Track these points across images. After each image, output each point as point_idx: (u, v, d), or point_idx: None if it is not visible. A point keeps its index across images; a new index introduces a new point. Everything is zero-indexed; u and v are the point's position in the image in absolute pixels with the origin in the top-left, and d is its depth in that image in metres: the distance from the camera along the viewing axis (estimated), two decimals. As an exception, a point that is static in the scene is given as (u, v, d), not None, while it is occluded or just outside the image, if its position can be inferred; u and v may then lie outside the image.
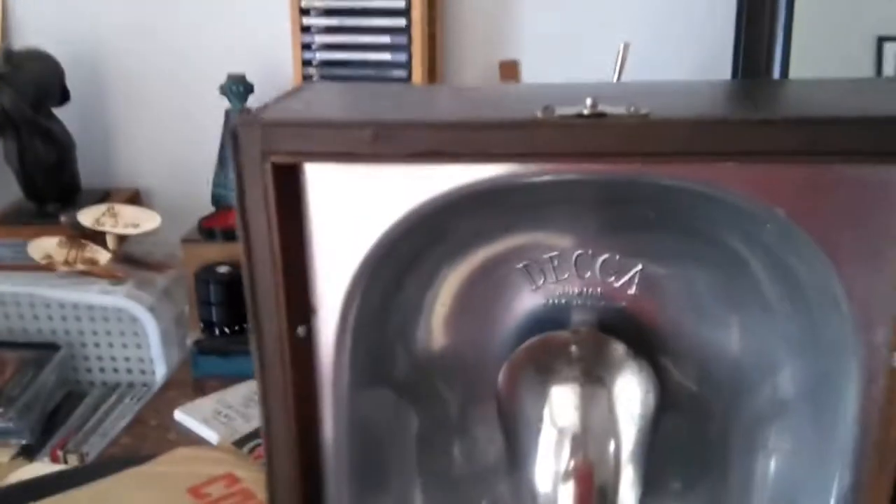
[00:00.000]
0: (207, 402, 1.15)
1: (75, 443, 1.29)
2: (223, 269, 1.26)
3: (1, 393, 1.30)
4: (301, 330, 0.48)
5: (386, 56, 1.42)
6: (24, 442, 1.29)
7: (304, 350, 0.49)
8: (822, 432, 0.50)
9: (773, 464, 0.54)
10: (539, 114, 0.44)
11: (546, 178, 0.46)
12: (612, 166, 0.45)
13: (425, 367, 0.56)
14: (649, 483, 0.53)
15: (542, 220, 0.53)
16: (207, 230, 1.33)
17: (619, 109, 0.44)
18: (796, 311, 0.50)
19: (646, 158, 0.43)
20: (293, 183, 0.45)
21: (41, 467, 0.94)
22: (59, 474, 0.88)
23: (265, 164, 0.43)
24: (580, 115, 0.43)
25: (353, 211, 0.47)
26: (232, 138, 0.42)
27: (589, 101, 0.44)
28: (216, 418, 1.11)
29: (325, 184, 0.46)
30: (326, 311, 0.49)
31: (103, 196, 1.47)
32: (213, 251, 1.28)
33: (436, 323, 0.56)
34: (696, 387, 0.55)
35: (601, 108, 0.44)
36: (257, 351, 0.47)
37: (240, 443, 1.05)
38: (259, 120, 0.43)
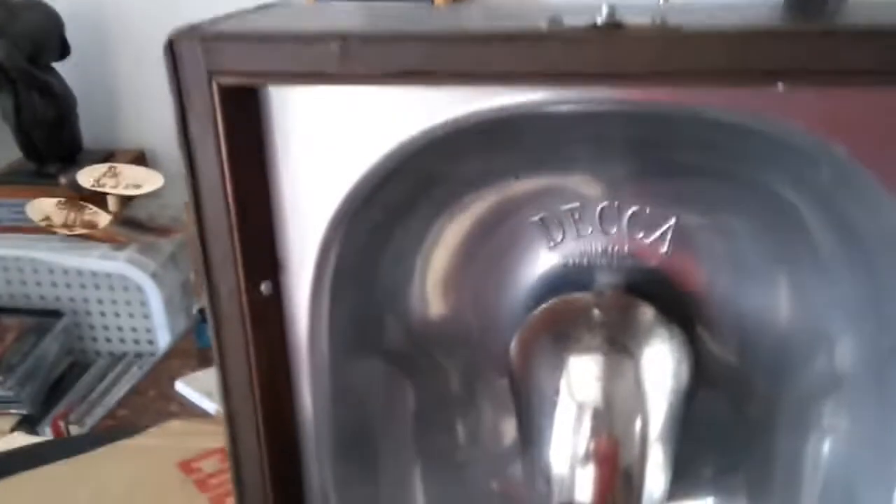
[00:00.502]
0: (210, 373, 1.09)
1: (78, 414, 1.25)
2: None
3: (0, 360, 1.26)
4: (265, 286, 0.41)
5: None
6: (24, 412, 1.27)
7: (270, 310, 0.42)
8: (886, 409, 0.44)
9: (826, 445, 0.48)
10: (543, 25, 0.36)
11: (560, 108, 0.39)
12: (632, 92, 0.37)
13: (422, 334, 0.51)
14: (680, 466, 0.48)
15: (559, 162, 0.46)
16: (214, 192, 1.27)
17: (642, 20, 0.36)
18: (855, 269, 0.43)
19: (674, 80, 0.35)
20: (251, 110, 0.38)
21: (21, 438, 0.89)
22: (43, 446, 0.84)
23: (211, 87, 0.36)
24: (593, 27, 0.36)
25: (328, 145, 0.40)
26: (168, 55, 0.35)
27: (605, 10, 0.36)
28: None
29: (292, 111, 0.39)
30: (298, 266, 0.43)
31: (106, 157, 1.42)
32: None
33: (434, 283, 0.50)
34: (736, 358, 0.50)
35: (620, 18, 0.36)
36: (211, 312, 0.40)
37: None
38: (200, 32, 0.36)
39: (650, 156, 0.45)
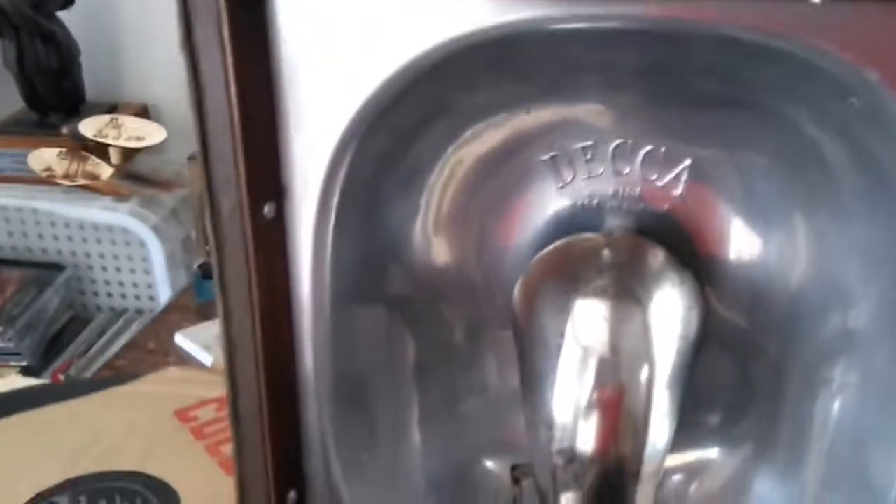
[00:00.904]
0: (210, 327, 1.08)
1: (78, 368, 1.25)
2: (232, 189, 1.19)
3: (1, 312, 1.25)
4: (268, 208, 0.40)
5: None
6: (24, 364, 1.26)
7: (272, 234, 0.41)
8: (897, 364, 0.42)
9: (835, 401, 0.47)
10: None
11: (572, 26, 0.37)
12: (649, 6, 0.35)
13: (426, 279, 0.49)
14: (686, 415, 0.46)
15: (571, 91, 0.44)
16: (218, 147, 1.26)
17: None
18: (876, 210, 0.42)
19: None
20: (257, 18, 0.36)
21: (16, 380, 0.88)
22: (37, 389, 0.83)
23: (217, -12, 0.34)
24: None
25: (336, 58, 0.38)
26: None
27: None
28: (218, 344, 1.04)
29: (301, 19, 0.37)
30: (301, 191, 0.41)
31: (109, 110, 1.40)
32: (223, 169, 1.21)
33: (438, 222, 0.48)
34: (747, 311, 0.48)
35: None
36: (212, 230, 0.39)
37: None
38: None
39: (666, 84, 0.43)
